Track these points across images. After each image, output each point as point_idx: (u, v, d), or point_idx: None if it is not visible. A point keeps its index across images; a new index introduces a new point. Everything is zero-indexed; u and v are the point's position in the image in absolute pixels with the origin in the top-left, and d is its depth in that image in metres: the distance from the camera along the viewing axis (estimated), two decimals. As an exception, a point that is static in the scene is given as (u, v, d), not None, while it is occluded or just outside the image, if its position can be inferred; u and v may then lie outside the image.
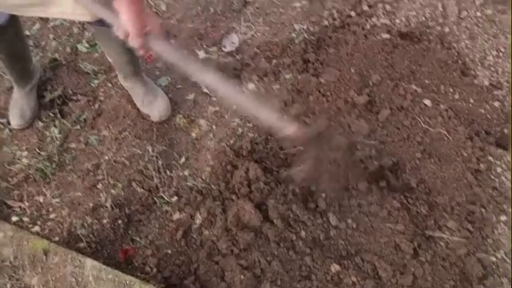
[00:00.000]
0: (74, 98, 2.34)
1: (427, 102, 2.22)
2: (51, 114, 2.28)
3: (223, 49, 2.45)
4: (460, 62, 2.39)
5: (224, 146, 2.14)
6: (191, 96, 2.32)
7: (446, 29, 2.51)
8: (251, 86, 2.30)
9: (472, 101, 2.25)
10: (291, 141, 1.84)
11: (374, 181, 1.99)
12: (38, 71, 2.33)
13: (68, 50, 2.51)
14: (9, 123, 2.27)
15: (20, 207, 2.07)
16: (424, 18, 2.55)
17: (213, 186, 2.02)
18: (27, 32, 2.56)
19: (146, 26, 1.34)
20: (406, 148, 2.10)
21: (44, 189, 2.09)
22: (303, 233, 1.87)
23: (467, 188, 1.99)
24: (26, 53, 2.15)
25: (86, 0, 1.46)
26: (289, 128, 1.37)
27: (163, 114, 2.21)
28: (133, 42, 1.35)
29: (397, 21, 2.54)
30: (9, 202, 2.08)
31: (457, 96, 2.26)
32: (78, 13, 1.59)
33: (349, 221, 1.92)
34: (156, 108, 2.20)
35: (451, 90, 2.28)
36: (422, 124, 2.15)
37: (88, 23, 1.75)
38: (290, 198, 1.93)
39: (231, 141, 2.16)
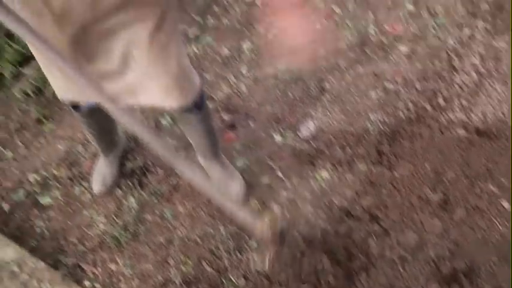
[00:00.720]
0: (153, 170, 2.44)
1: (505, 203, 2.16)
2: (130, 184, 2.39)
3: (298, 134, 2.51)
4: (539, 162, 2.33)
5: (295, 233, 2.15)
6: (266, 180, 2.36)
7: (525, 126, 2.47)
8: (324, 174, 2.33)
9: (553, 204, 2.17)
10: None
11: (446, 284, 1.93)
12: (123, 142, 2.47)
13: (152, 123, 2.65)
14: (91, 188, 2.40)
15: (92, 272, 2.15)
16: (501, 115, 2.52)
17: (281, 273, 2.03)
18: (115, 104, 2.74)
19: None
20: (481, 251, 2.03)
21: (116, 257, 2.17)
22: (369, 333, 1.83)
23: (548, 302, 1.89)
24: (113, 127, 2.30)
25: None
26: (256, 232, 1.20)
27: (238, 197, 2.25)
28: None
29: (474, 116, 2.52)
30: (84, 265, 2.16)
31: (536, 199, 2.19)
32: (168, 100, 1.67)
33: (419, 324, 1.86)
34: (231, 190, 2.25)
35: (530, 192, 2.22)
36: (500, 227, 2.09)
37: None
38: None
39: (302, 229, 2.17)
